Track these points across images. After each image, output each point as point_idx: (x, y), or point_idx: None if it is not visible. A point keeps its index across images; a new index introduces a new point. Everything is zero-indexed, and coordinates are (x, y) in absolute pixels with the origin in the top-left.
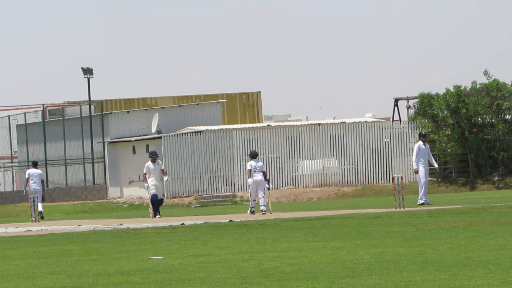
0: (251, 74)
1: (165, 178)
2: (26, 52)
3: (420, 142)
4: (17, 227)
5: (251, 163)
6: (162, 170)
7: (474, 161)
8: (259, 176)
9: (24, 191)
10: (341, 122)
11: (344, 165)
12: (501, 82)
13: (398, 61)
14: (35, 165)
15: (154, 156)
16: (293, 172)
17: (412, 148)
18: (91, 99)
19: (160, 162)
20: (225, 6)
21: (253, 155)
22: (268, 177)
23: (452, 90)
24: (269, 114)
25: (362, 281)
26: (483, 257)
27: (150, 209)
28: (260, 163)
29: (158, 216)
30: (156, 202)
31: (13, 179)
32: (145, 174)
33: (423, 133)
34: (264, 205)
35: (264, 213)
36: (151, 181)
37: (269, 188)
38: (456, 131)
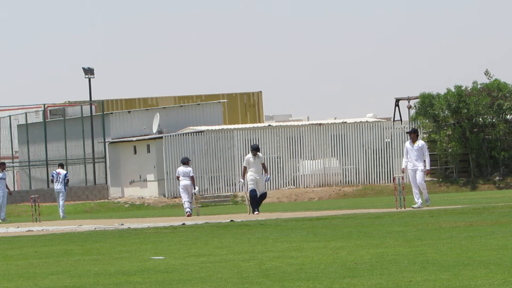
0: (252, 74)
1: (266, 178)
2: (27, 52)
3: (408, 141)
4: (18, 227)
5: (179, 169)
6: (263, 164)
7: (475, 161)
8: (187, 181)
9: None
10: (342, 122)
11: (345, 165)
12: (502, 82)
13: (399, 61)
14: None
15: (255, 151)
16: (294, 172)
17: None
18: (92, 99)
19: (261, 155)
20: (226, 6)
21: (183, 161)
22: (195, 183)
23: (453, 90)
24: (270, 114)
25: (363, 281)
26: (484, 257)
27: (248, 205)
28: (188, 169)
29: (256, 212)
30: (255, 197)
31: (14, 179)
32: (245, 167)
33: (413, 129)
34: (190, 208)
35: (189, 215)
36: (250, 175)
37: (195, 194)
38: (457, 131)
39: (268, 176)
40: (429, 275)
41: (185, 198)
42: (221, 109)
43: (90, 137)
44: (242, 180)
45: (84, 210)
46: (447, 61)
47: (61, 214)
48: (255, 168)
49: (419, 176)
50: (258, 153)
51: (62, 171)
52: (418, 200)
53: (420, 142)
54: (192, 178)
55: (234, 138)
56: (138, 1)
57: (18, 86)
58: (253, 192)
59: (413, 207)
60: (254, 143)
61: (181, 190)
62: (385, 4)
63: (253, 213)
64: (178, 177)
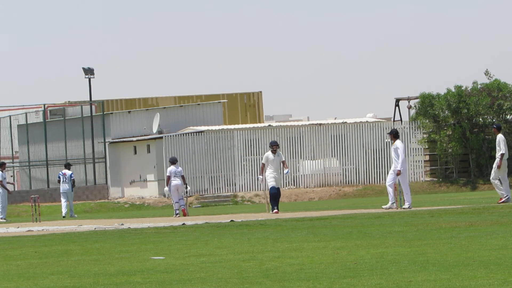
0: (252, 74)
1: (286, 171)
2: (27, 52)
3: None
4: (18, 227)
5: (170, 169)
6: (283, 162)
7: (475, 161)
8: (178, 181)
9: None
10: (342, 122)
11: (345, 165)
12: (502, 82)
13: (399, 61)
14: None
15: (274, 147)
16: (294, 172)
17: (413, 149)
18: (92, 99)
19: (281, 153)
20: (226, 6)
21: (173, 161)
22: (186, 181)
23: (453, 90)
24: (270, 114)
25: (363, 281)
26: (484, 257)
27: (267, 203)
28: (179, 169)
29: (275, 210)
30: (275, 194)
31: (14, 179)
32: (263, 164)
33: (391, 130)
34: (183, 205)
35: (177, 215)
36: (270, 173)
37: (187, 192)
38: (457, 131)
39: (288, 170)
40: (429, 275)
41: (175, 198)
42: (221, 109)
43: (90, 137)
44: (261, 177)
45: (84, 210)
46: (447, 61)
47: (66, 213)
48: (274, 166)
49: (400, 177)
50: (278, 150)
51: (68, 172)
52: (406, 202)
53: (396, 143)
54: (183, 178)
55: (234, 138)
56: (138, 1)
57: (18, 86)
58: (273, 189)
59: (403, 208)
60: (274, 140)
61: (172, 190)
62: (385, 4)
63: (272, 211)
64: (169, 177)
